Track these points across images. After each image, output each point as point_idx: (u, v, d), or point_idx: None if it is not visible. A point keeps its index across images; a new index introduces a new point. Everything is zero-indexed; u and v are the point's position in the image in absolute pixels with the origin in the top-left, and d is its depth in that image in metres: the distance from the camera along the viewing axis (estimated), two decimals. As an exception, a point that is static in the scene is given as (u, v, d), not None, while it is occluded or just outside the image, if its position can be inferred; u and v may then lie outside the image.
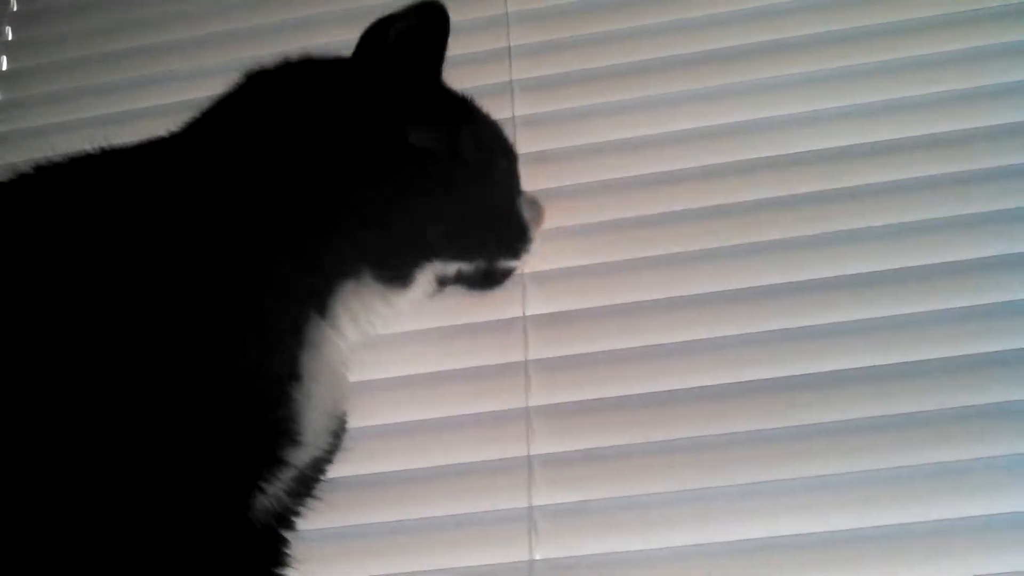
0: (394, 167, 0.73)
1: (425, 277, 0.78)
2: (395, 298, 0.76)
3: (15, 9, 1.20)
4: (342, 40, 0.78)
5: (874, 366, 0.82)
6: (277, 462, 0.66)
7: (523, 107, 0.98)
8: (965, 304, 0.83)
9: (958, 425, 0.79)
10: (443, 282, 0.81)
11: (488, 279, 0.83)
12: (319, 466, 0.75)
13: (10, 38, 1.19)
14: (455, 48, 0.79)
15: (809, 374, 0.82)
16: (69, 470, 0.58)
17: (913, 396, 0.80)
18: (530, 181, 0.89)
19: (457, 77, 0.82)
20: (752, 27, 0.99)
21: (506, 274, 0.84)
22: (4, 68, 1.17)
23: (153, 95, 1.07)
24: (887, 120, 0.92)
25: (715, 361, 0.84)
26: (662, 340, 0.85)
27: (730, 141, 0.94)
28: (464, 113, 0.81)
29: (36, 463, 0.58)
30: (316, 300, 0.70)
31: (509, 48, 1.02)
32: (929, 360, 0.81)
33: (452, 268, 0.79)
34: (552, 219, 0.88)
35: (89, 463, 0.58)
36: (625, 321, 0.87)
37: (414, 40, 0.75)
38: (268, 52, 0.79)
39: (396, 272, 0.74)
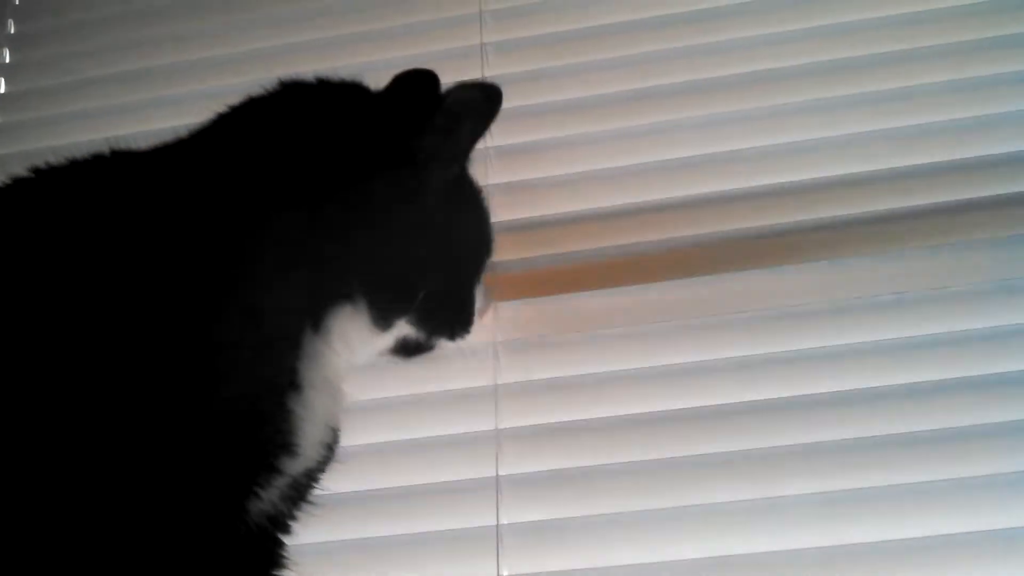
0: (408, 207, 0.77)
1: (395, 332, 0.81)
2: (375, 337, 0.80)
3: (13, 32, 1.23)
4: (332, 66, 0.82)
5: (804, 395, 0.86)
6: (273, 470, 0.70)
7: (496, 138, 1.01)
8: (973, 327, 0.86)
9: (946, 444, 0.83)
10: (397, 343, 0.85)
11: (415, 350, 0.86)
12: (312, 475, 0.78)
13: (7, 60, 1.22)
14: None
15: (771, 399, 0.86)
16: (69, 467, 0.60)
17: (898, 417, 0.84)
18: (502, 211, 0.93)
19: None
20: (730, 58, 1.02)
21: (429, 350, 0.87)
22: (2, 90, 1.20)
23: (153, 118, 1.09)
24: (853, 152, 0.95)
25: (680, 385, 0.88)
26: (629, 366, 0.90)
27: (705, 172, 0.97)
28: (474, 196, 0.85)
29: (38, 458, 0.60)
30: (312, 312, 0.73)
31: (483, 79, 1.04)
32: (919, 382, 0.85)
33: (410, 333, 0.83)
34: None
35: (89, 462, 0.61)
36: (593, 347, 0.91)
37: (468, 113, 0.78)
38: (269, 76, 0.80)
39: (385, 311, 0.77)
